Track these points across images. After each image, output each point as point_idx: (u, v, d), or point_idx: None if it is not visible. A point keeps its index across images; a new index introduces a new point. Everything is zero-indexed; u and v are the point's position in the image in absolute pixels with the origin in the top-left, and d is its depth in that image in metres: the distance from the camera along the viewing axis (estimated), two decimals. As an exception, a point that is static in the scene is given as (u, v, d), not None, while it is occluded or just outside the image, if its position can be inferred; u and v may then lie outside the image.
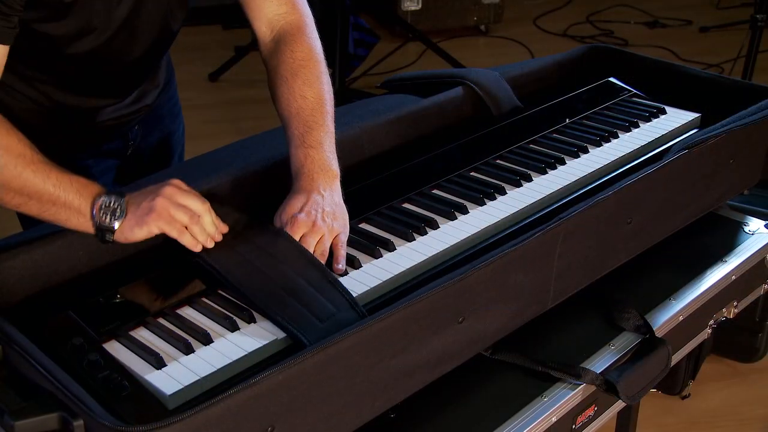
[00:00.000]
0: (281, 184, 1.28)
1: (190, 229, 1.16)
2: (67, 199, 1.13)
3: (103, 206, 1.13)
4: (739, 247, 1.61)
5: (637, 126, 1.65)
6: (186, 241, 1.16)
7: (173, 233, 1.15)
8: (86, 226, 1.14)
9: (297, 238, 1.19)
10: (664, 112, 1.73)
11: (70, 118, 1.41)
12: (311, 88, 1.31)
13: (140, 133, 1.56)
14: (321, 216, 1.21)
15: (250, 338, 1.06)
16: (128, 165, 1.57)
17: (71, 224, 1.14)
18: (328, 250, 1.20)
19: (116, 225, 1.13)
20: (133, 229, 1.14)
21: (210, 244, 1.17)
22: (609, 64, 1.90)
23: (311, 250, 1.18)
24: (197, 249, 1.17)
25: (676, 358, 1.47)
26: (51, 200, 1.12)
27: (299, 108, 1.30)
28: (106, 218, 1.13)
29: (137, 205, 1.15)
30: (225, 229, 1.20)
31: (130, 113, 1.48)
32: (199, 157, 1.47)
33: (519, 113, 1.67)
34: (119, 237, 1.15)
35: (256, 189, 1.35)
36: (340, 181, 1.28)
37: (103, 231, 1.14)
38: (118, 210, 1.14)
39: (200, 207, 1.16)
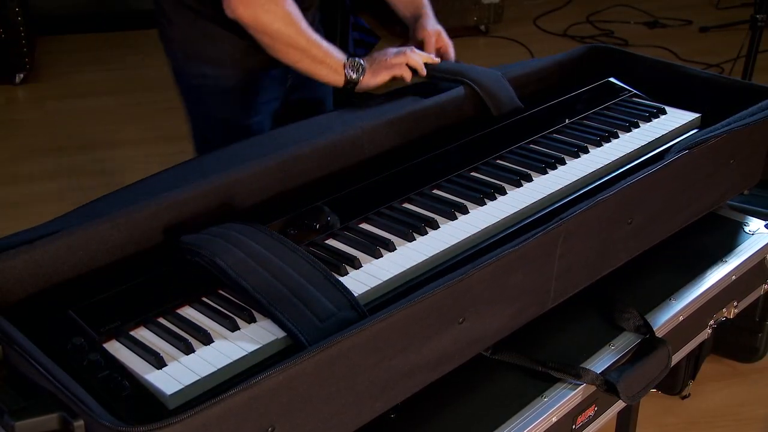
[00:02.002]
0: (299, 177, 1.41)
1: (404, 68, 1.68)
2: (330, 62, 1.62)
3: (351, 65, 1.64)
4: (739, 247, 1.61)
5: (637, 126, 1.65)
6: (406, 72, 1.69)
7: (399, 73, 1.68)
8: (338, 80, 1.64)
9: (451, 49, 1.85)
10: (664, 112, 1.73)
11: None
12: None
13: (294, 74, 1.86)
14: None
15: (251, 338, 1.06)
16: (284, 108, 1.92)
17: (326, 78, 1.64)
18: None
19: (359, 78, 1.64)
20: (369, 79, 1.66)
21: (423, 69, 1.71)
22: (609, 64, 1.90)
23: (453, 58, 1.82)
24: (423, 71, 1.71)
25: (676, 358, 1.47)
26: (318, 60, 1.61)
27: None
28: (353, 74, 1.64)
29: (371, 64, 1.66)
30: (431, 59, 1.75)
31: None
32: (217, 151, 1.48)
33: (519, 113, 1.67)
34: (360, 86, 1.66)
35: (277, 181, 1.38)
36: (341, 182, 1.35)
37: (349, 82, 1.64)
38: (360, 68, 1.65)
39: (407, 52, 1.69)
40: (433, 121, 1.61)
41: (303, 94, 1.92)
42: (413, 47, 1.74)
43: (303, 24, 1.58)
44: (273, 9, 1.55)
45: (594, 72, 1.89)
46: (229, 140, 1.59)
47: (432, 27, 1.87)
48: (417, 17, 1.89)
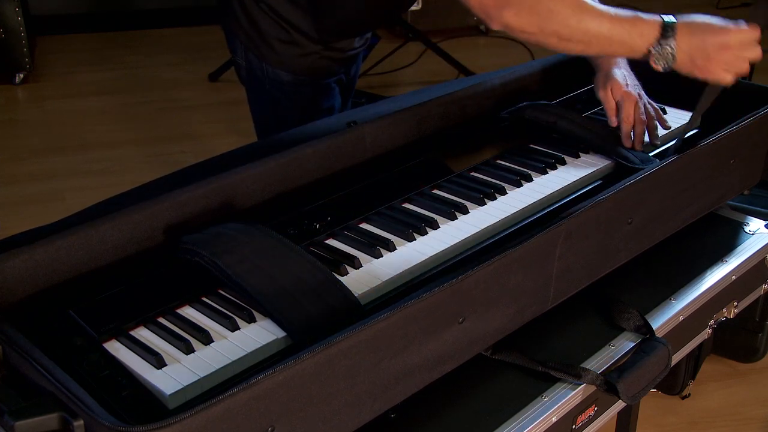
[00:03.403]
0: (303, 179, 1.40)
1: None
2: (627, 41, 1.28)
3: (658, 55, 1.29)
4: (739, 247, 1.61)
5: (637, 126, 1.65)
6: (729, 78, 1.32)
7: (727, 79, 1.32)
8: (639, 56, 1.31)
9: (632, 110, 1.52)
10: (664, 112, 1.73)
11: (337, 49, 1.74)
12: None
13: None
14: (636, 87, 1.56)
15: (250, 338, 1.06)
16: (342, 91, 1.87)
17: (624, 55, 1.42)
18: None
19: (667, 68, 1.31)
20: (690, 70, 1.31)
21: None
22: (609, 64, 1.89)
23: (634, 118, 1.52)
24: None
25: (676, 358, 1.47)
26: (608, 41, 1.28)
27: None
28: (659, 64, 1.30)
29: (690, 51, 1.28)
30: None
31: (360, 46, 1.82)
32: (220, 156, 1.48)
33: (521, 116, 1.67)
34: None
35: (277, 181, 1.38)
36: (341, 182, 1.34)
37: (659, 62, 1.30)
38: (671, 58, 1.29)
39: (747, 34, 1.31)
40: (435, 121, 1.61)
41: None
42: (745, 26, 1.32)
43: (576, 2, 1.28)
44: (542, 3, 1.27)
45: (594, 72, 1.89)
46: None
47: (623, 79, 1.56)
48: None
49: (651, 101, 1.64)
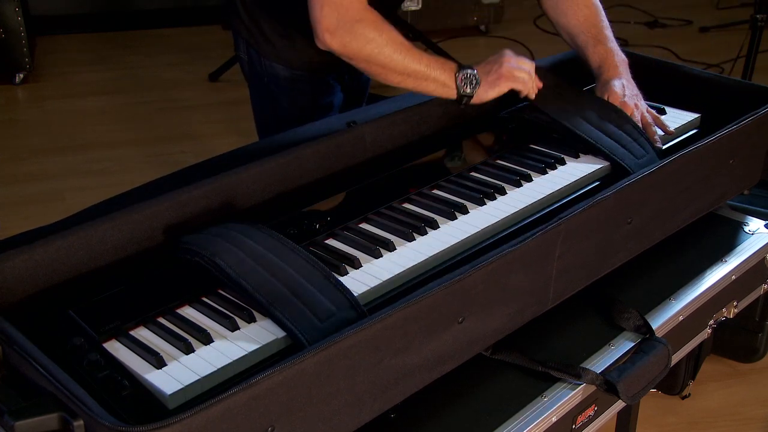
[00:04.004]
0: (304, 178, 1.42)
1: (528, 82, 1.55)
2: (436, 76, 1.49)
3: (464, 78, 1.49)
4: (739, 247, 1.61)
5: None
6: (528, 90, 1.56)
7: (519, 87, 1.54)
8: (450, 94, 1.51)
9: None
10: (664, 112, 1.73)
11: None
12: None
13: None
14: (634, 97, 1.61)
15: (250, 338, 1.06)
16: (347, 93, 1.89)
17: (437, 94, 1.52)
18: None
19: (474, 92, 1.51)
20: (487, 91, 1.52)
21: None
22: (609, 64, 1.89)
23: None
24: (533, 96, 1.57)
25: (676, 358, 1.47)
26: (423, 77, 1.48)
27: (586, 15, 1.70)
28: (467, 87, 1.50)
29: (487, 73, 1.53)
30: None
31: None
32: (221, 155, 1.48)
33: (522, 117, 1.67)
34: (475, 100, 1.52)
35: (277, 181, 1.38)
36: (341, 182, 1.35)
37: (463, 97, 1.51)
38: (474, 80, 1.50)
39: (530, 65, 1.57)
40: (435, 121, 1.61)
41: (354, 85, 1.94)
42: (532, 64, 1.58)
43: (397, 41, 1.46)
44: (360, 32, 1.42)
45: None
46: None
47: (621, 90, 1.61)
48: (600, 62, 1.68)
49: (651, 108, 1.65)
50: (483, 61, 1.55)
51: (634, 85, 1.66)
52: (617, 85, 1.62)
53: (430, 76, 1.48)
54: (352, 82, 1.86)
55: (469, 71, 1.50)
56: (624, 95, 1.60)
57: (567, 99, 1.61)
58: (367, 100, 1.94)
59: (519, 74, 1.54)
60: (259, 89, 1.81)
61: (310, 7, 1.44)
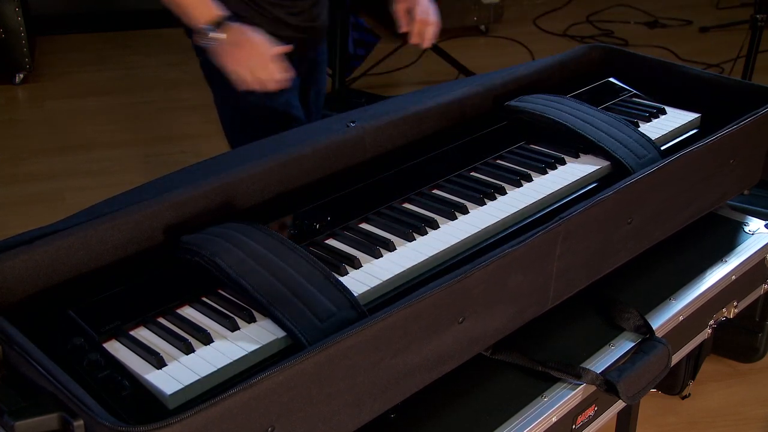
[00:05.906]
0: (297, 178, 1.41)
1: (261, 85, 1.59)
2: (194, 13, 1.60)
3: (207, 31, 1.58)
4: (739, 247, 1.61)
5: (637, 126, 1.65)
6: (253, 83, 1.60)
7: (246, 79, 1.59)
8: (195, 24, 1.60)
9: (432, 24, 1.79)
10: (664, 112, 1.73)
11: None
12: None
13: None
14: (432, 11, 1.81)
15: (250, 338, 1.06)
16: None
17: (188, 23, 1.62)
18: None
19: (207, 46, 1.59)
20: (218, 56, 1.59)
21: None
22: (609, 64, 1.90)
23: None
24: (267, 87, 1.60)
25: (676, 358, 1.47)
26: (186, 3, 1.59)
27: None
28: (203, 40, 1.59)
29: (233, 46, 1.58)
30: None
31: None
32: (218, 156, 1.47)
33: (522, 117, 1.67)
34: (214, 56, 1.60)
35: (277, 181, 1.38)
36: (341, 182, 1.36)
37: (203, 40, 1.60)
38: (213, 42, 1.58)
39: (272, 75, 1.59)
40: (435, 121, 1.61)
41: (309, 84, 1.97)
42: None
43: None
44: None
45: (594, 72, 1.89)
46: (257, 124, 1.64)
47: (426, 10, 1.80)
48: None
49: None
50: (244, 34, 1.60)
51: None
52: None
53: (189, 7, 1.61)
54: (301, 63, 1.89)
55: (216, 35, 1.58)
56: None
57: (565, 103, 1.61)
58: (367, 100, 1.94)
59: (259, 73, 1.58)
60: (213, 80, 1.85)
61: None
